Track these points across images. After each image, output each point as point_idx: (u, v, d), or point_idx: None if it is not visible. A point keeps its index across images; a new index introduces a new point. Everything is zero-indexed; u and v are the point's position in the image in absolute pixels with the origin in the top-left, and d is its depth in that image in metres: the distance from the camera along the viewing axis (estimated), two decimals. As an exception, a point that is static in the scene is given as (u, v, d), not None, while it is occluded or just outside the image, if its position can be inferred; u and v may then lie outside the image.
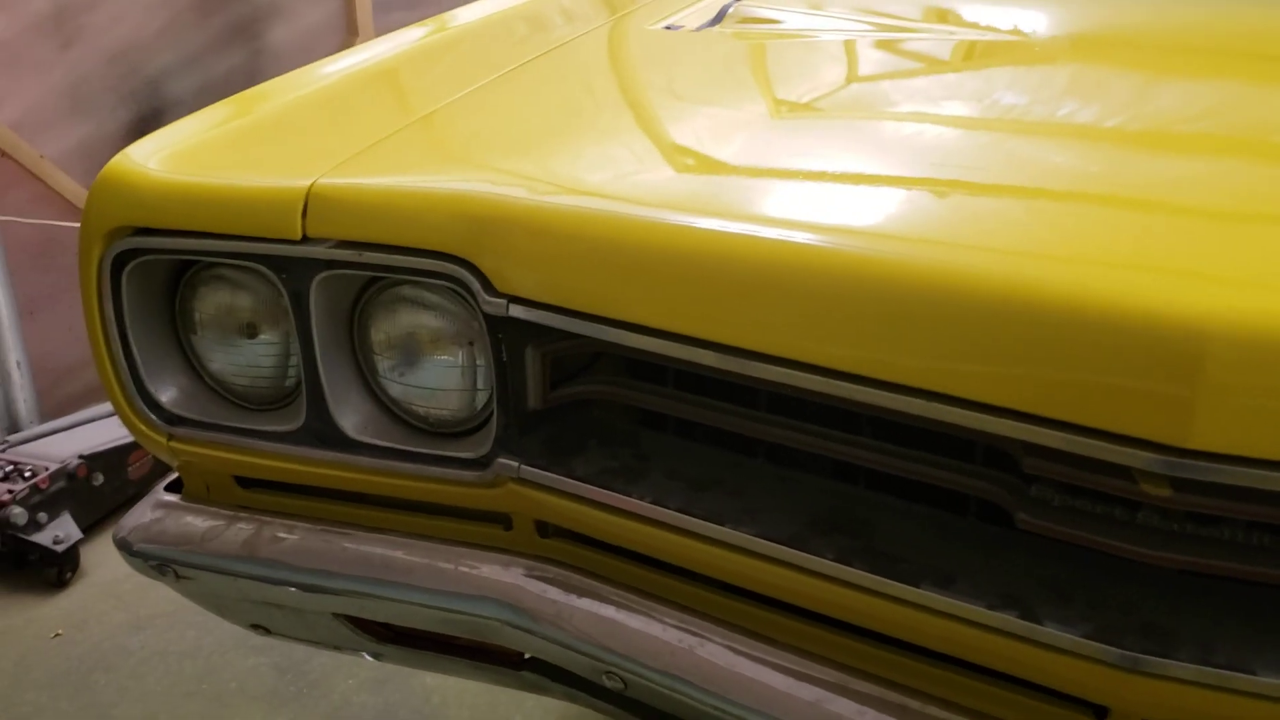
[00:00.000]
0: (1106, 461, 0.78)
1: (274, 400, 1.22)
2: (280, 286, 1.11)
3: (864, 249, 0.88)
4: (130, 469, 2.98)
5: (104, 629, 2.58)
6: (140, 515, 1.27)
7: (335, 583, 1.19)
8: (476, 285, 1.01)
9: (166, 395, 1.21)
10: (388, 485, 1.17)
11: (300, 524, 1.22)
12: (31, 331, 3.21)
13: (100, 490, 2.90)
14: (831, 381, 0.88)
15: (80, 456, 2.85)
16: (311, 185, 1.07)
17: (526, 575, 1.13)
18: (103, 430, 2.98)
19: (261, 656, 2.46)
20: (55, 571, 2.73)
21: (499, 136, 1.23)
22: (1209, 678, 0.80)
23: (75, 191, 3.31)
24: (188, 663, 2.46)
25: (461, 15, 1.63)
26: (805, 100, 1.33)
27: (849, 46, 1.49)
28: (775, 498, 1.03)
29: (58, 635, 2.57)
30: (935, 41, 1.51)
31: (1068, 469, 0.84)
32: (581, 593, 1.10)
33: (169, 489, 1.30)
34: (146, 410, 1.21)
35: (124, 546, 1.26)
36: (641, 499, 1.03)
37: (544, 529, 1.14)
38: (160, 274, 1.18)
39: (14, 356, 3.15)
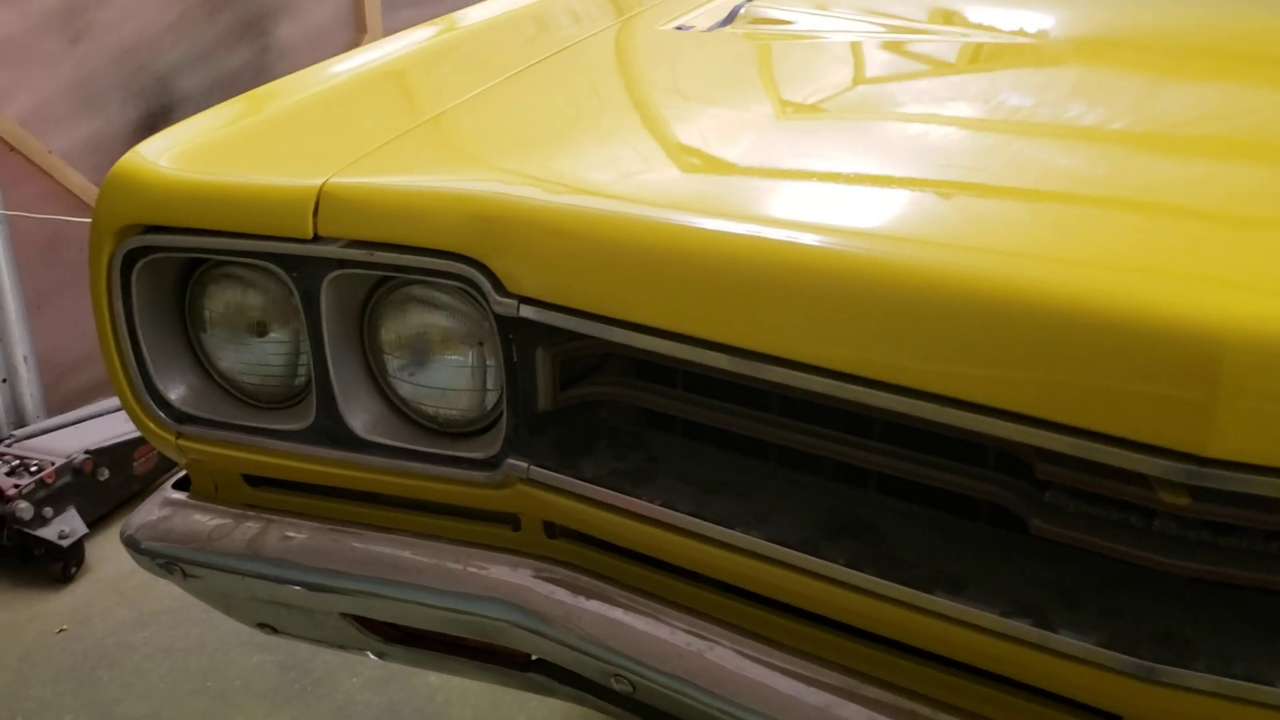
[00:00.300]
0: (1122, 468, 0.78)
1: (283, 399, 1.21)
2: (291, 285, 1.10)
3: (877, 252, 0.87)
4: (136, 464, 2.98)
5: (108, 625, 2.58)
6: (148, 513, 1.27)
7: (343, 582, 1.19)
8: (487, 285, 1.01)
9: (175, 393, 1.21)
10: (397, 485, 1.17)
11: (308, 523, 1.22)
12: (38, 326, 3.21)
13: (106, 485, 2.90)
14: (843, 385, 0.88)
15: (86, 451, 2.85)
16: (323, 184, 1.06)
17: (535, 576, 1.13)
18: (109, 425, 2.98)
19: (266, 654, 2.46)
20: (60, 566, 2.73)
21: (510, 137, 1.23)
22: (1227, 689, 0.79)
23: (83, 187, 3.31)
24: (192, 659, 2.46)
25: (471, 15, 1.63)
26: (817, 102, 1.33)
27: (861, 48, 1.48)
28: (785, 501, 1.02)
29: (62, 630, 2.57)
30: (947, 44, 1.51)
31: (1082, 475, 0.83)
32: (590, 594, 1.10)
33: (177, 487, 1.30)
34: (155, 408, 1.20)
35: (131, 544, 1.25)
36: (651, 501, 1.03)
37: (552, 530, 1.14)
38: (170, 272, 1.17)
39: (21, 351, 3.16)
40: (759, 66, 1.46)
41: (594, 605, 1.09)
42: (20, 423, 3.15)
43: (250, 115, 1.33)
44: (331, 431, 1.15)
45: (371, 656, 1.41)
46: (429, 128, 1.26)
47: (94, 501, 2.86)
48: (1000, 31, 1.48)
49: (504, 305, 1.01)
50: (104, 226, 1.13)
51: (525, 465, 1.08)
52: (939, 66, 1.43)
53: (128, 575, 2.70)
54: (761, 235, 0.91)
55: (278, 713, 2.32)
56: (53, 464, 2.78)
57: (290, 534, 1.21)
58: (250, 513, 1.24)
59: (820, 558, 0.95)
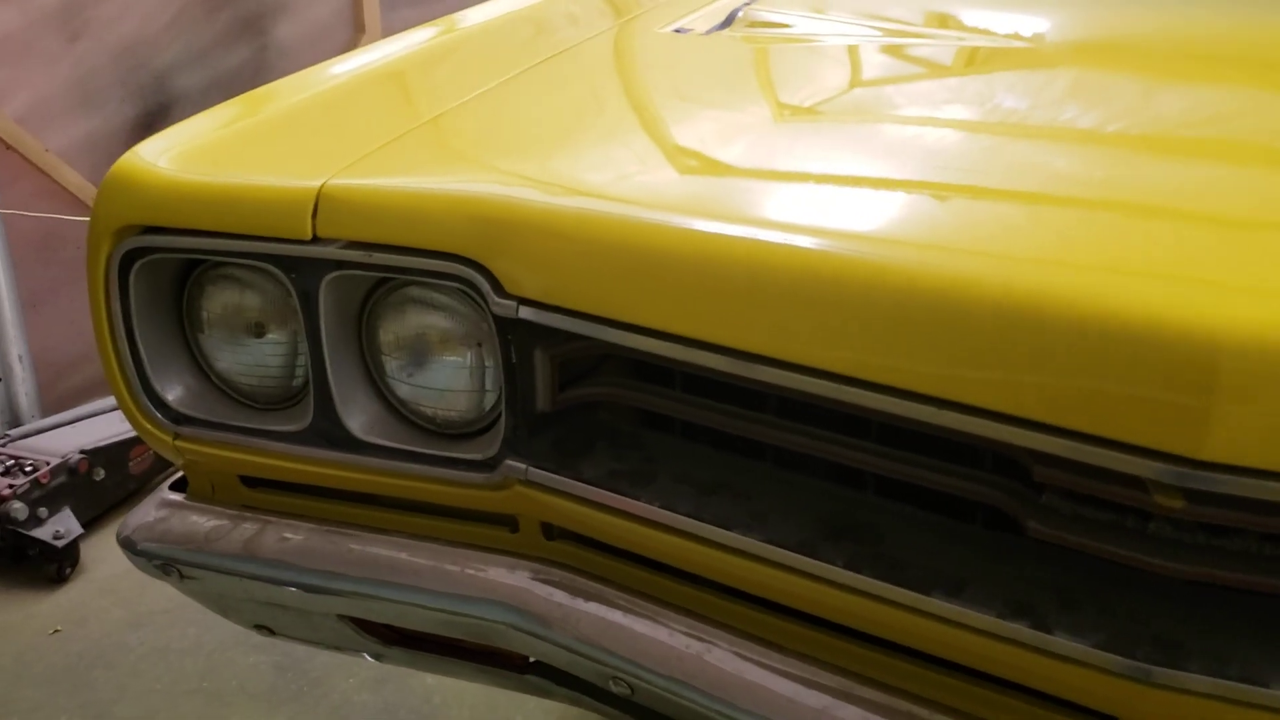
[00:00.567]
0: (1118, 471, 0.78)
1: (281, 400, 1.21)
2: (289, 286, 1.10)
3: (873, 254, 0.88)
4: (132, 464, 2.98)
5: (104, 625, 2.58)
6: (144, 514, 1.27)
7: (340, 584, 1.19)
8: (486, 287, 1.01)
9: (173, 394, 1.21)
10: (394, 486, 1.17)
11: (306, 524, 1.22)
12: (34, 325, 3.21)
13: (102, 485, 2.89)
14: (840, 387, 0.88)
15: (82, 451, 2.85)
16: (322, 185, 1.06)
17: (533, 578, 1.13)
18: (104, 425, 2.98)
19: (262, 655, 2.46)
20: (55, 567, 2.73)
21: (509, 139, 1.23)
22: (1222, 690, 0.79)
23: (80, 185, 3.30)
24: (188, 660, 2.46)
25: (470, 16, 1.63)
26: (814, 105, 1.33)
27: (859, 51, 1.48)
28: (783, 502, 1.02)
29: (57, 631, 2.57)
30: (945, 47, 1.51)
31: (1078, 478, 0.84)
32: (588, 596, 1.10)
33: (174, 488, 1.30)
34: (152, 409, 1.20)
35: (128, 546, 1.25)
36: (650, 503, 1.03)
37: (550, 531, 1.14)
38: (168, 273, 1.17)
39: (16, 350, 3.15)
40: (756, 70, 1.46)
41: (592, 607, 1.09)
42: (15, 422, 3.15)
43: (249, 116, 1.33)
44: (329, 433, 1.15)
45: (369, 658, 1.41)
46: (428, 129, 1.27)
47: (89, 502, 2.86)
48: (996, 35, 1.49)
49: (503, 306, 1.01)
50: (102, 227, 1.13)
51: (524, 466, 1.08)
52: (935, 70, 1.44)
53: (123, 576, 2.69)
54: (758, 238, 0.91)
55: (274, 713, 2.31)
56: (48, 464, 2.77)
57: (287, 535, 1.21)
58: (248, 514, 1.24)
59: (818, 559, 0.95)
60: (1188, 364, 0.73)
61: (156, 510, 1.27)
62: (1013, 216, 0.97)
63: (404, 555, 1.17)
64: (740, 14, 1.61)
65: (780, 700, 0.98)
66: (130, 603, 2.64)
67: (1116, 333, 0.76)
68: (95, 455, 2.87)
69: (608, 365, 1.13)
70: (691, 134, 1.22)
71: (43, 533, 2.70)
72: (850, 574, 0.93)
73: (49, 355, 3.28)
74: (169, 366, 1.20)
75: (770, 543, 0.97)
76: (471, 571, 1.15)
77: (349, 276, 1.08)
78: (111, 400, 1.24)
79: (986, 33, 1.54)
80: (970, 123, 1.19)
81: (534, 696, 1.35)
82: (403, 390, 1.14)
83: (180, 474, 1.30)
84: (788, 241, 0.90)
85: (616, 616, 1.08)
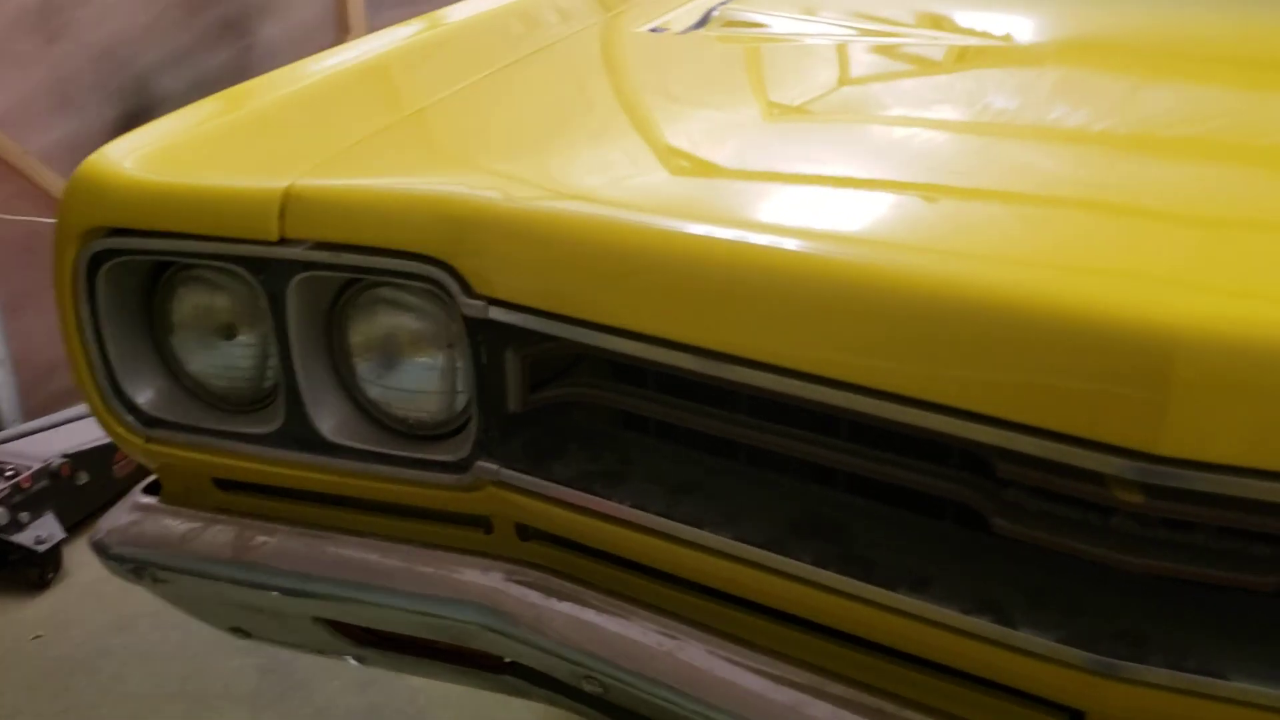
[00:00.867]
0: (1079, 467, 0.78)
1: (252, 402, 1.21)
2: (258, 288, 1.10)
3: (836, 254, 0.88)
4: (116, 468, 2.96)
5: (86, 630, 2.57)
6: (117, 517, 1.26)
7: (314, 586, 1.19)
8: (455, 287, 1.01)
9: (143, 397, 1.21)
10: (367, 488, 1.17)
11: (280, 527, 1.22)
12: (15, 328, 3.19)
13: (84, 489, 2.88)
14: (806, 385, 0.88)
15: (64, 455, 2.83)
16: (289, 186, 1.06)
17: (507, 579, 1.13)
18: (87, 429, 2.96)
19: (246, 658, 2.45)
20: (37, 572, 2.72)
21: (480, 138, 1.23)
22: (1181, 683, 0.80)
23: (60, 187, 3.28)
24: (171, 664, 2.46)
25: (450, 14, 1.63)
26: (788, 104, 1.33)
27: (833, 51, 1.49)
28: (755, 501, 1.02)
29: (39, 637, 2.56)
30: (919, 46, 1.52)
31: (1041, 474, 0.84)
32: (562, 596, 1.10)
33: (147, 491, 1.29)
34: (123, 411, 1.20)
35: (101, 549, 1.25)
36: (622, 503, 1.03)
37: (525, 532, 1.14)
38: (137, 274, 1.17)
39: (-3, 354, 3.14)
40: (730, 69, 1.46)
41: (565, 607, 1.09)
42: (-3, 427, 3.14)
43: (222, 115, 1.32)
44: (300, 435, 1.15)
45: (350, 661, 1.41)
46: (400, 127, 1.27)
47: (72, 506, 2.84)
48: (969, 34, 1.49)
49: (472, 307, 1.01)
50: (68, 229, 1.12)
51: (495, 468, 1.08)
52: (911, 70, 1.44)
53: (106, 580, 2.64)
54: (726, 237, 0.92)
55: (258, 716, 2.31)
56: (29, 468, 2.76)
57: (261, 538, 1.21)
58: (221, 517, 1.24)
59: (787, 557, 0.95)
60: (1144, 360, 0.73)
61: (129, 514, 1.27)
62: (976, 215, 0.98)
63: (377, 557, 1.17)
64: (716, 13, 1.62)
65: (751, 697, 0.99)
66: (113, 607, 2.63)
67: (1074, 329, 0.76)
68: (78, 459, 2.86)
69: (581, 366, 1.13)
70: (664, 134, 1.23)
71: (24, 538, 2.68)
72: (818, 570, 0.94)
73: (30, 358, 3.27)
74: (139, 369, 1.20)
75: (740, 540, 0.97)
76: (445, 573, 1.15)
77: (317, 278, 1.08)
78: (93, 404, 1.23)
79: (960, 31, 1.55)
80: (933, 121, 1.19)
81: (513, 697, 1.35)
82: (373, 392, 1.14)
83: (154, 477, 1.30)
84: (756, 241, 0.91)
85: (589, 616, 1.08)
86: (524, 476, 1.06)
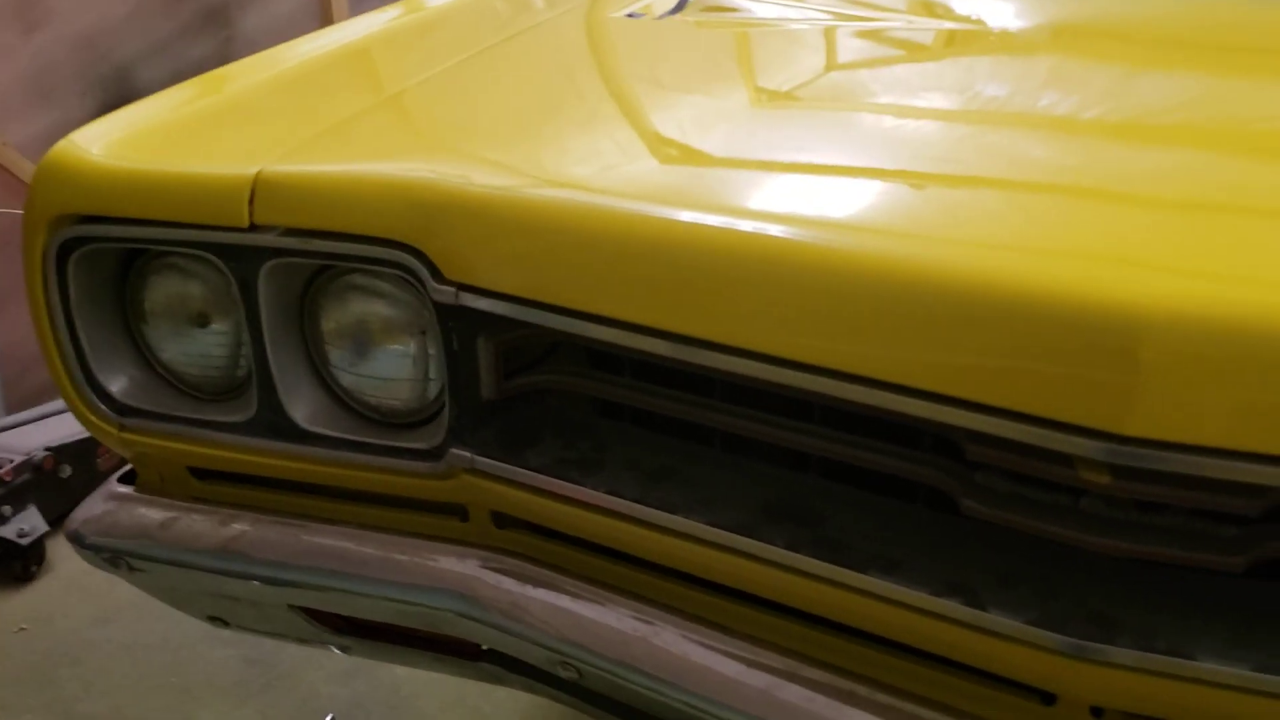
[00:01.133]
0: (1048, 448, 0.78)
1: (226, 390, 1.21)
2: (229, 275, 1.10)
3: (807, 239, 0.88)
4: (100, 460, 2.94)
5: (70, 623, 2.56)
6: (93, 507, 1.26)
7: (290, 575, 1.19)
8: (425, 273, 1.01)
9: (117, 385, 1.20)
10: (341, 476, 1.16)
11: (255, 516, 1.21)
12: (-2, 322, 3.18)
13: (68, 482, 2.86)
14: (779, 370, 0.88)
15: (47, 448, 2.82)
16: (259, 172, 1.06)
17: (482, 566, 1.12)
18: (70, 422, 2.92)
19: (230, 649, 2.45)
20: (20, 565, 2.70)
21: (454, 122, 1.23)
22: (1151, 664, 0.80)
23: (41, 181, 3.26)
24: (155, 656, 2.45)
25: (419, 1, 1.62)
26: (764, 90, 1.33)
27: (810, 36, 1.48)
28: (729, 487, 1.02)
29: (22, 630, 2.55)
30: (901, 31, 1.51)
31: (1010, 456, 0.84)
32: (537, 583, 1.10)
33: (123, 480, 1.29)
34: (97, 401, 1.19)
35: (76, 539, 1.25)
36: (597, 489, 1.03)
37: (500, 520, 1.13)
38: (108, 262, 1.16)
39: (-20, 347, 3.12)
40: (706, 55, 1.46)
41: (541, 594, 1.09)
42: (-20, 420, 3.12)
43: (196, 100, 1.32)
44: (274, 423, 1.14)
45: (335, 650, 1.41)
46: (375, 112, 1.26)
47: (55, 499, 2.83)
48: (943, 18, 1.49)
49: (442, 293, 1.00)
50: (37, 216, 1.12)
51: (469, 455, 1.07)
52: (887, 56, 1.44)
53: (89, 572, 2.62)
54: (697, 221, 0.91)
55: (242, 707, 2.31)
56: (12, 461, 2.75)
57: (236, 527, 1.20)
58: (197, 506, 1.23)
59: (760, 541, 0.95)
60: (1112, 341, 0.73)
61: (104, 503, 1.26)
62: (947, 200, 0.98)
63: (353, 545, 1.17)
64: (692, -1, 1.61)
65: (725, 681, 0.99)
66: (97, 599, 2.62)
67: (1043, 311, 0.76)
68: (61, 452, 2.85)
69: (557, 353, 1.12)
70: (637, 119, 1.22)
71: (7, 531, 2.67)
72: (790, 554, 0.94)
73: (13, 351, 3.25)
74: (112, 358, 1.19)
75: (713, 525, 0.97)
76: (421, 560, 1.14)
77: (288, 264, 1.08)
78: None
79: (936, 15, 1.55)
80: (905, 107, 1.19)
81: (491, 684, 1.35)
82: (346, 380, 1.14)
83: (129, 467, 1.29)
84: (726, 225, 0.90)
85: (564, 602, 1.08)
86: (498, 464, 1.06)
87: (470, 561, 1.13)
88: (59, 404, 3.04)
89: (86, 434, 2.85)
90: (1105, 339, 0.73)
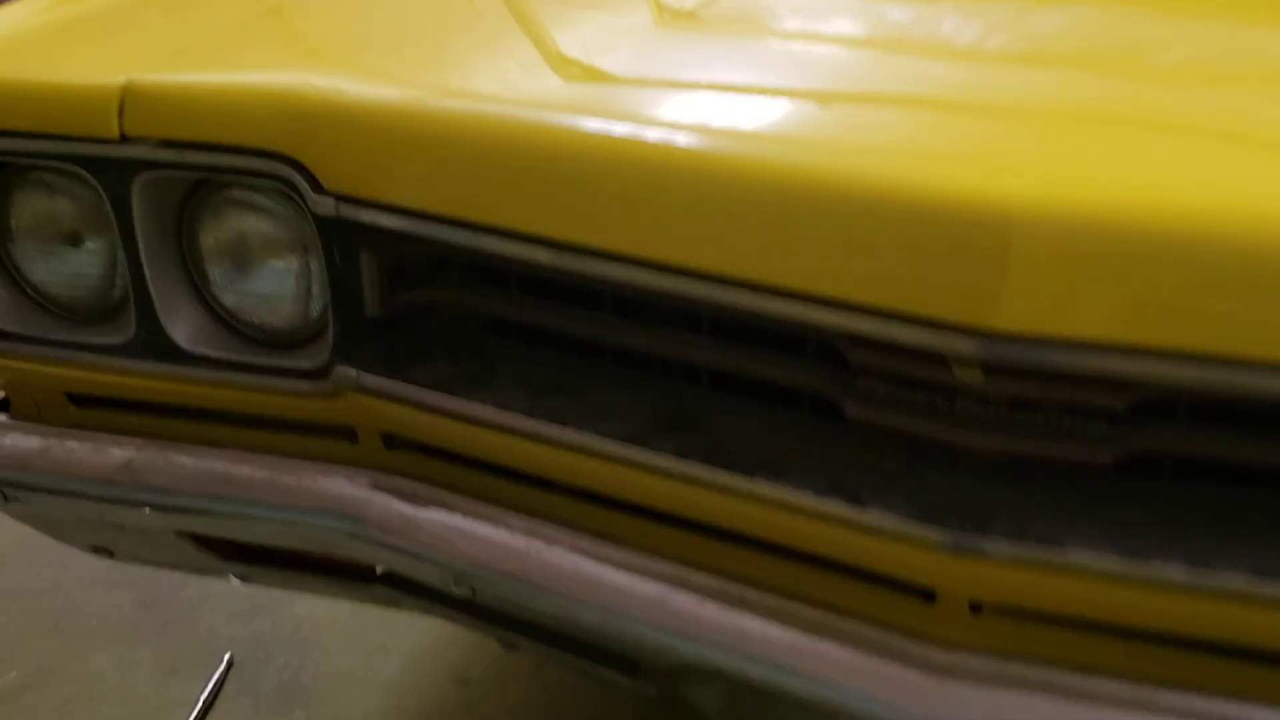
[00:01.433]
0: (923, 348, 0.80)
1: (102, 312, 1.17)
2: (100, 190, 1.06)
3: (689, 145, 0.87)
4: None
5: (-50, 570, 2.49)
6: (-36, 436, 1.21)
7: (176, 500, 1.16)
8: (304, 184, 0.98)
9: (-16, 309, 1.16)
10: (226, 399, 1.14)
11: (137, 441, 1.18)
12: None
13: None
14: (663, 276, 0.88)
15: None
16: (128, 81, 1.02)
17: (372, 487, 1.12)
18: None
19: (124, 591, 2.40)
20: (-103, 510, 2.61)
21: (336, 34, 1.19)
22: (1023, 555, 0.83)
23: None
24: (44, 600, 2.39)
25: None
26: (667, 8, 1.32)
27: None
28: (619, 400, 1.03)
29: (-101, 579, 2.47)
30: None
31: (890, 360, 0.86)
32: (428, 502, 1.09)
33: (-5, 408, 1.25)
34: (-39, 326, 1.15)
35: (-53, 469, 1.20)
36: (484, 404, 1.02)
37: (391, 441, 1.12)
38: (-31, 179, 1.11)
39: None
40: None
41: (431, 512, 1.09)
42: None
43: (62, 6, 1.25)
44: (153, 344, 1.11)
45: (233, 580, 1.39)
46: (256, 21, 1.22)
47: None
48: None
49: (321, 204, 0.98)
50: (-111, 128, 1.06)
51: (355, 373, 1.06)
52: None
53: (-29, 517, 2.59)
54: (574, 125, 0.90)
55: (138, 649, 2.26)
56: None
57: (117, 452, 1.17)
58: (74, 432, 1.20)
59: (649, 449, 0.96)
60: (981, 239, 0.75)
61: (-23, 432, 1.22)
62: (830, 113, 0.98)
63: (240, 468, 1.15)
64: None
65: (615, 590, 0.99)
66: (-21, 545, 2.54)
67: (918, 211, 0.77)
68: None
69: (445, 270, 1.11)
70: (519, 26, 1.20)
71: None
72: (680, 461, 0.94)
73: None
74: (-23, 280, 1.15)
75: (602, 436, 0.98)
76: (309, 483, 1.13)
77: (163, 178, 1.04)
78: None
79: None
80: (813, 31, 1.18)
81: (387, 608, 1.35)
82: (228, 298, 1.11)
83: (2, 394, 1.25)
84: (604, 130, 0.89)
85: (456, 520, 1.08)
86: (384, 381, 1.05)
87: (360, 482, 1.12)
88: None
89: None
90: (975, 237, 0.75)
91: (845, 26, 1.22)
